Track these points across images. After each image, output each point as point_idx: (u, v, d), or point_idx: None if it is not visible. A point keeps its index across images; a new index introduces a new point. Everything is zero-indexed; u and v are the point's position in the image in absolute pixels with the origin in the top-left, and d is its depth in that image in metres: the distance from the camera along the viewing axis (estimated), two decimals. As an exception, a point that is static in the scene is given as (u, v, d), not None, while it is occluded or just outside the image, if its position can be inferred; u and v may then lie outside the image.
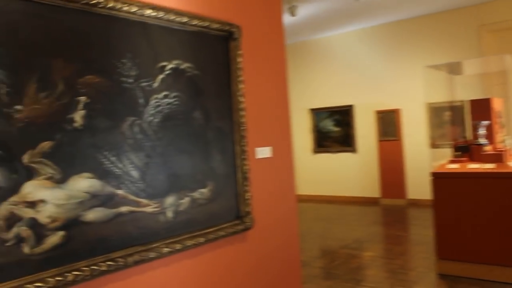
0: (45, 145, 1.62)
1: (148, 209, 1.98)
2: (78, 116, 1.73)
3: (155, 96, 2.04)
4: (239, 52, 2.47)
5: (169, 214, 2.08)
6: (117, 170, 1.86)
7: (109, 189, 1.82)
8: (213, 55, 2.36)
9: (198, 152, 2.25)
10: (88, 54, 1.78)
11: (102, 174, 1.80)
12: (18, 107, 1.56)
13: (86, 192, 1.74)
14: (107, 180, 1.82)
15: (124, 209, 1.87)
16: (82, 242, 1.72)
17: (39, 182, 1.60)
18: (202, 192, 2.26)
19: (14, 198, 1.53)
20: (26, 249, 1.55)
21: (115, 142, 1.86)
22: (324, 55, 8.74)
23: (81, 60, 1.76)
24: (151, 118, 2.02)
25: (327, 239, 5.68)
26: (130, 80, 1.93)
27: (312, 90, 8.89)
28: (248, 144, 2.51)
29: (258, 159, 2.64)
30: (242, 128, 2.47)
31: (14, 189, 1.53)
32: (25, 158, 1.56)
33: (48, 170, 1.62)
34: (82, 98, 1.75)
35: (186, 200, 2.16)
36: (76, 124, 1.72)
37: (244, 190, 2.47)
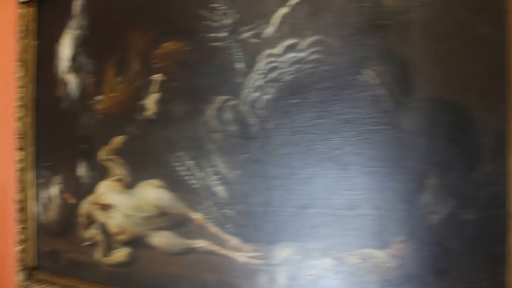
0: (117, 140, 1.36)
1: (240, 257, 1.13)
2: (150, 102, 1.29)
3: (267, 52, 1.09)
4: None
5: (281, 279, 1.07)
6: (194, 182, 1.20)
7: (182, 208, 1.23)
8: None
9: (375, 163, 0.97)
10: (166, 12, 1.27)
11: (174, 184, 1.24)
12: (99, 97, 1.41)
13: (154, 206, 1.28)
14: (181, 195, 1.23)
15: (199, 243, 1.19)
16: (147, 270, 1.30)
17: (110, 183, 1.37)
18: (369, 256, 0.96)
19: (92, 197, 1.42)
20: (98, 255, 1.40)
21: (193, 137, 1.21)
22: None
23: (158, 23, 1.28)
24: (257, 94, 1.11)
25: None
26: (222, 35, 1.16)
27: None
28: None
29: None
30: None
31: (93, 187, 1.42)
32: (98, 155, 1.39)
33: (120, 170, 1.35)
34: (157, 77, 1.28)
35: (323, 263, 1.02)
36: (147, 113, 1.29)
37: None
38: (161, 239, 1.25)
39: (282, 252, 1.06)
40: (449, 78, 0.94)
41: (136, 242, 1.30)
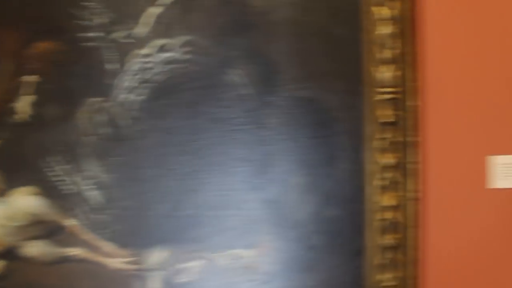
0: (-11, 145, 1.27)
1: (114, 263, 1.09)
2: (24, 104, 1.22)
3: (140, 52, 1.07)
4: None
5: (155, 283, 1.04)
6: (69, 187, 1.15)
7: (56, 215, 1.17)
8: None
9: (242, 163, 0.98)
10: (39, 10, 1.21)
11: (49, 190, 1.18)
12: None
13: (27, 214, 1.20)
14: (55, 201, 1.17)
15: (74, 251, 1.14)
16: (22, 282, 1.22)
17: (-17, 192, 1.28)
18: (239, 256, 0.97)
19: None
20: (-30, 270, 1.30)
21: (67, 141, 1.15)
22: None
23: (31, 22, 1.21)
24: (130, 95, 1.08)
25: None
26: (96, 34, 1.12)
27: None
28: (429, 143, 0.82)
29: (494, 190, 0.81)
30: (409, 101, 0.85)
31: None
32: (-29, 161, 1.29)
33: (-7, 177, 1.26)
34: (31, 78, 1.21)
35: (195, 265, 1.01)
36: (20, 116, 1.22)
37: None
38: (35, 249, 1.18)
39: (156, 256, 1.04)
40: (312, 78, 0.96)
41: (10, 254, 1.22)
